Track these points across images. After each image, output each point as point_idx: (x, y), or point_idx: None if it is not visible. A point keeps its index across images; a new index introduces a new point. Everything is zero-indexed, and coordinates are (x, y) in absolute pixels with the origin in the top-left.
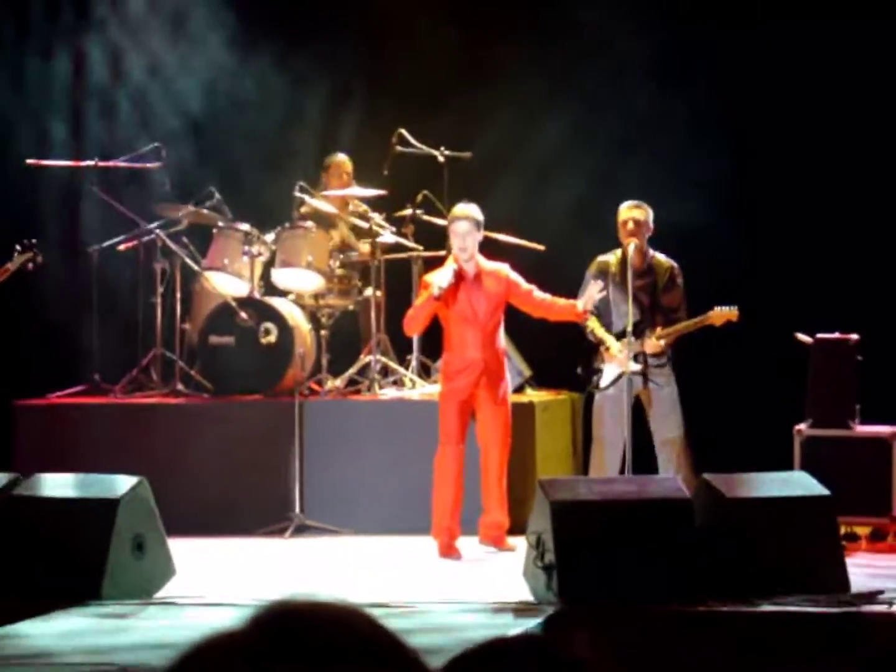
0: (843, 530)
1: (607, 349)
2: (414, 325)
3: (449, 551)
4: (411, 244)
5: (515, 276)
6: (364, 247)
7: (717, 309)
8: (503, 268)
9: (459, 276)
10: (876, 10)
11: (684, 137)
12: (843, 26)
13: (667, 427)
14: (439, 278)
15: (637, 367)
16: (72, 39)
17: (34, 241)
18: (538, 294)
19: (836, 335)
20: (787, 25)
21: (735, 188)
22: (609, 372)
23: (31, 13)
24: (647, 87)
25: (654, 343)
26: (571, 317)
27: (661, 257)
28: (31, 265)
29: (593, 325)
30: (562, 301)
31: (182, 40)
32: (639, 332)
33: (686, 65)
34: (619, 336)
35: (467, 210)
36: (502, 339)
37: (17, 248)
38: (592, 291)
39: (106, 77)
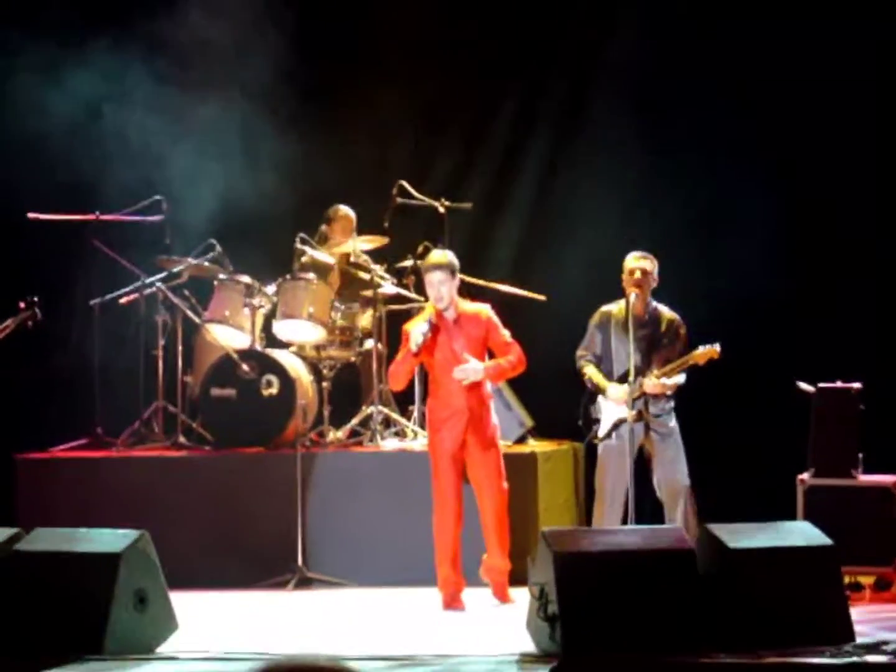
0: (847, 580)
1: (604, 393)
2: (397, 380)
3: (453, 603)
4: (412, 295)
5: (495, 320)
6: (364, 316)
7: (700, 348)
8: (484, 309)
9: (437, 325)
10: None
11: (684, 180)
12: None
13: (671, 477)
14: (416, 333)
15: (634, 411)
16: (72, 88)
17: (35, 298)
18: (504, 351)
19: (839, 384)
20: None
21: (736, 234)
22: (606, 420)
23: (31, 58)
24: (649, 133)
25: (653, 382)
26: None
27: (664, 309)
28: (30, 323)
29: (590, 372)
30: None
31: (185, 96)
32: (637, 377)
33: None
34: (619, 382)
35: (440, 258)
36: (489, 384)
37: (21, 304)
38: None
39: (107, 129)
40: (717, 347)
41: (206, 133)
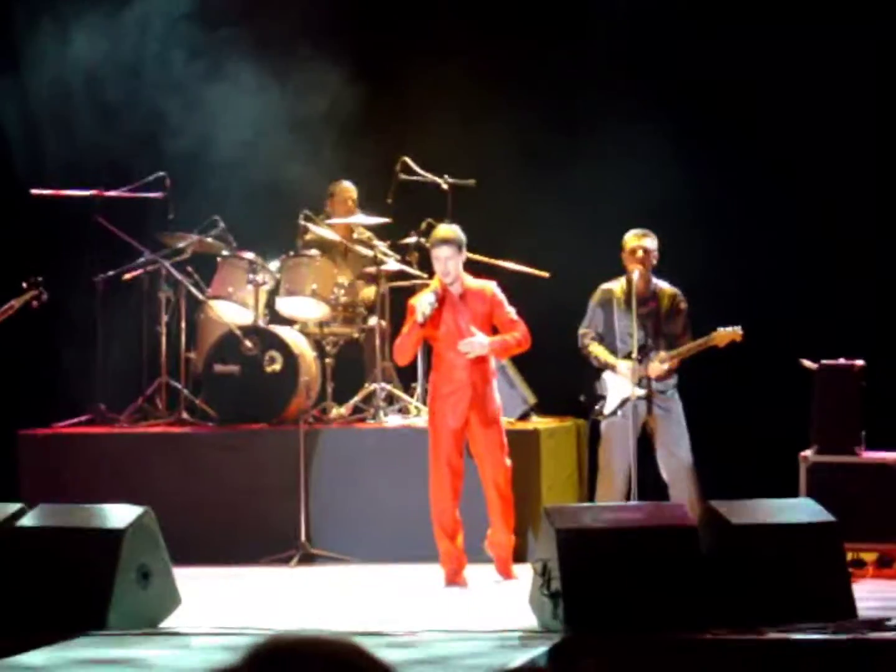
0: (849, 557)
1: (614, 369)
2: (403, 354)
3: (455, 579)
4: (416, 272)
5: (501, 296)
6: (367, 290)
7: (721, 330)
8: (489, 286)
9: (443, 297)
10: None
11: (682, 158)
12: None
13: (675, 454)
14: (422, 304)
15: (641, 391)
16: (73, 65)
17: (40, 278)
18: (509, 328)
19: (841, 361)
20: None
21: (738, 213)
22: (613, 398)
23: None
24: (655, 116)
25: (657, 367)
26: None
27: (664, 285)
28: (35, 303)
29: (597, 350)
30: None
31: (188, 71)
32: (642, 356)
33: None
34: (626, 359)
35: (448, 233)
36: (493, 360)
37: (24, 284)
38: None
39: (110, 105)
40: (739, 330)
41: (213, 106)
